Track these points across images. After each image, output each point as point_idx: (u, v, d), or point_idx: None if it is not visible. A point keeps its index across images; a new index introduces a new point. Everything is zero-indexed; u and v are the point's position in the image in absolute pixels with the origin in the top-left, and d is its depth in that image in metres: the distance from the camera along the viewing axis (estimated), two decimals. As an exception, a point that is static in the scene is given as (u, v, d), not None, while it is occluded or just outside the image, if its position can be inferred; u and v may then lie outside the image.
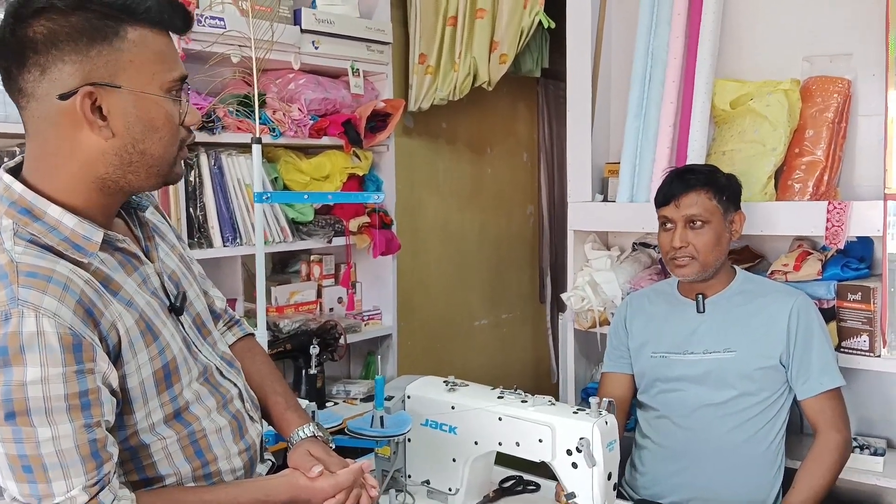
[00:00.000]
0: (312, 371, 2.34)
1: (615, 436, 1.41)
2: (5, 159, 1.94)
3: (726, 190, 1.81)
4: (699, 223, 1.77)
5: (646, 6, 2.23)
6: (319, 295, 2.73)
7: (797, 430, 2.01)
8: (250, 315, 2.58)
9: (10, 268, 0.91)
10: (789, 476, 1.76)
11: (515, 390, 1.52)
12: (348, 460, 1.22)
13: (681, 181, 1.81)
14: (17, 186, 0.98)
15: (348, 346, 2.54)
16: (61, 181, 0.99)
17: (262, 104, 2.37)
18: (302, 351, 2.34)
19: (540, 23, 2.59)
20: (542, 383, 3.78)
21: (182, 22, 1.02)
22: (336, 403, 2.47)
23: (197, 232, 2.23)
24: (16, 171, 1.01)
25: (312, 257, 2.75)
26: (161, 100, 0.99)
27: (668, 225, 1.83)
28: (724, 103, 2.12)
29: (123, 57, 0.95)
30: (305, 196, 2.25)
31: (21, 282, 0.89)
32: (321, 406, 2.36)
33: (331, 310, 2.74)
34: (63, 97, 0.94)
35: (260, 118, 2.34)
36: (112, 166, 0.99)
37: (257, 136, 1.99)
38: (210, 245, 2.25)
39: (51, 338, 0.89)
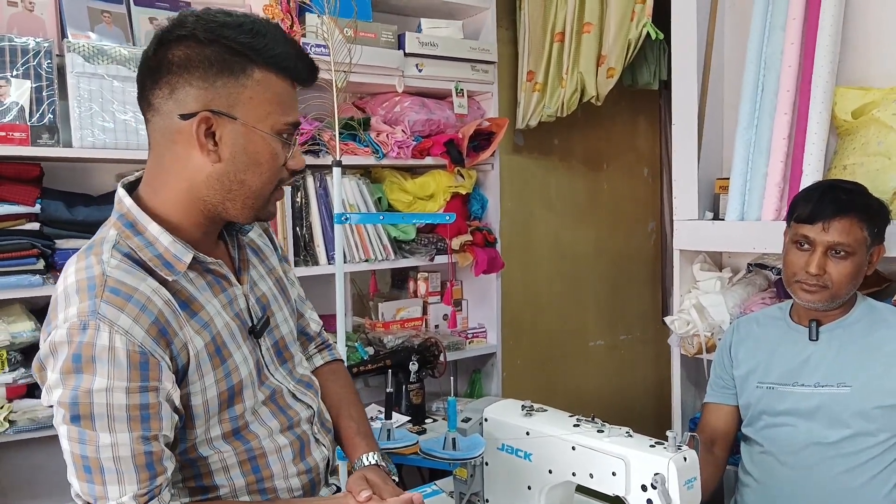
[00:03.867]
0: (410, 387, 2.37)
1: (695, 473, 1.31)
2: (127, 184, 2.12)
3: (878, 220, 1.62)
4: (843, 253, 1.60)
5: (759, 11, 2.09)
6: (425, 312, 2.76)
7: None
8: (358, 330, 2.66)
9: (99, 280, 0.98)
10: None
11: (593, 419, 1.46)
12: (407, 492, 1.21)
13: (834, 202, 1.60)
14: (127, 201, 1.06)
15: (450, 363, 2.55)
16: (169, 196, 1.06)
17: (367, 127, 2.44)
18: (402, 367, 2.37)
19: (649, 34, 2.50)
20: (663, 408, 3.61)
21: (307, 74, 1.09)
22: (436, 420, 2.49)
23: (303, 250, 2.33)
24: (132, 187, 1.11)
25: (419, 274, 2.79)
26: (269, 138, 1.06)
27: (806, 246, 1.64)
28: (846, 113, 1.95)
29: (245, 93, 1.03)
30: (381, 217, 2.30)
31: (104, 297, 0.96)
32: (419, 422, 2.38)
33: (436, 327, 2.77)
34: (183, 117, 1.02)
35: (364, 141, 2.42)
36: (213, 190, 1.06)
37: (338, 158, 2.05)
38: (315, 263, 2.34)
39: (120, 353, 0.95)
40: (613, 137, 3.45)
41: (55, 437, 1.96)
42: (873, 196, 1.65)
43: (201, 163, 1.03)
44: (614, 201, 3.48)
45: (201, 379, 1.05)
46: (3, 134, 1.84)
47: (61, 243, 1.94)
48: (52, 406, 0.98)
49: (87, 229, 1.97)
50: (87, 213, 1.98)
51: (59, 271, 1.88)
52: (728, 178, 2.17)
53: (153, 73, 1.02)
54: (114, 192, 2.12)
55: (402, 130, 2.50)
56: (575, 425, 1.46)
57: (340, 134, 2.33)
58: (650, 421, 3.42)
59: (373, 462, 1.25)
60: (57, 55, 1.96)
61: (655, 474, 1.28)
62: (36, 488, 2.10)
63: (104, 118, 1.99)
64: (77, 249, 1.88)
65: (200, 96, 1.01)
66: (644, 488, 1.31)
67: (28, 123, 1.88)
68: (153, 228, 1.04)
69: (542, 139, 3.14)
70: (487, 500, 1.56)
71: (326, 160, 2.31)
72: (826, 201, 1.61)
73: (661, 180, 3.65)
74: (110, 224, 1.06)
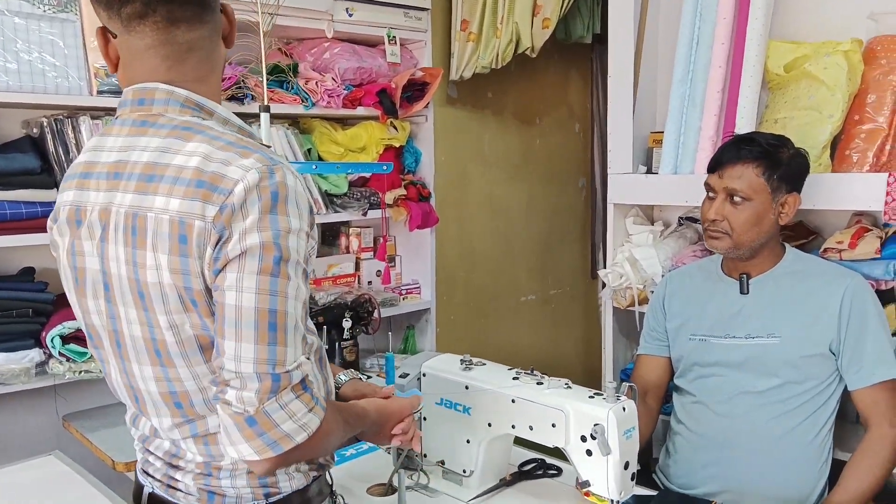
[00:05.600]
0: (344, 344, 2.32)
1: (634, 423, 1.32)
2: (34, 130, 1.96)
3: (783, 168, 1.64)
4: (739, 199, 1.64)
5: (695, -37, 2.07)
6: (358, 268, 2.70)
7: (853, 419, 1.87)
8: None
9: (247, 142, 0.94)
10: (838, 469, 1.63)
11: (532, 371, 1.44)
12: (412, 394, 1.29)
13: (733, 150, 1.67)
14: (214, 105, 1.01)
15: (384, 320, 2.51)
16: (217, 90, 1.04)
17: (295, 74, 2.33)
18: (335, 324, 2.32)
19: (586, -15, 2.46)
20: (593, 361, 3.67)
21: None
22: (370, 377, 2.45)
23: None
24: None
25: (351, 230, 2.72)
26: None
27: (711, 194, 1.70)
28: (778, 67, 1.96)
29: None
30: (314, 167, 2.21)
31: (263, 150, 0.93)
32: (353, 380, 2.33)
33: (369, 283, 2.71)
34: (222, 10, 1.04)
35: (292, 88, 2.31)
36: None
37: (265, 103, 1.94)
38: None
39: (301, 197, 0.92)
40: (546, 92, 3.42)
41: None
42: (787, 147, 1.67)
43: (223, 52, 1.04)
44: (546, 157, 3.47)
45: None
46: None
47: (-38, 194, 1.78)
48: (218, 269, 0.88)
49: (-8, 179, 1.82)
50: (-10, 161, 1.83)
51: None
52: (662, 132, 2.16)
53: None
54: (17, 139, 1.96)
55: (333, 78, 2.40)
56: (514, 378, 1.44)
57: (267, 80, 2.22)
58: (580, 373, 3.48)
59: (351, 377, 1.30)
60: (-51, -14, 1.78)
61: (595, 425, 1.28)
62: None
63: (6, 58, 1.83)
64: None
65: None
66: (584, 439, 1.31)
67: (-83, 61, 1.71)
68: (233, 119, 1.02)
69: (476, 91, 3.08)
70: (426, 455, 1.54)
71: (252, 108, 2.19)
72: (726, 151, 1.68)
73: (591, 136, 3.66)
74: (199, 125, 0.96)
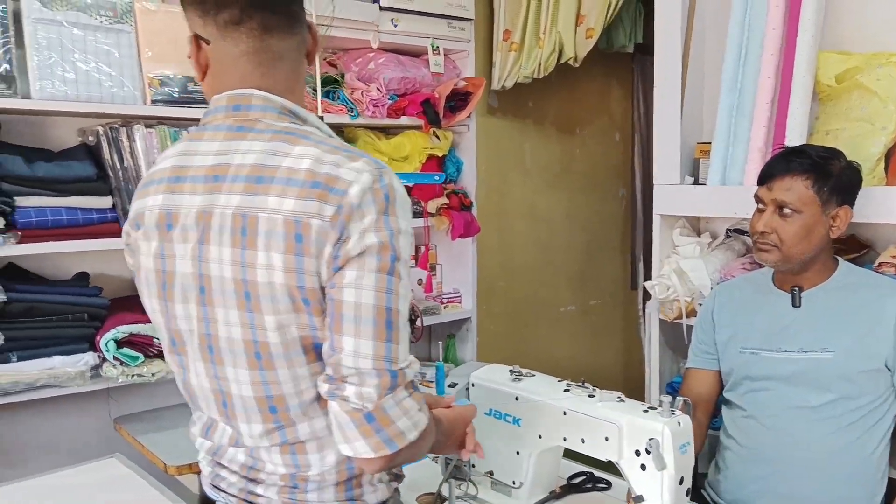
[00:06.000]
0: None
1: (689, 438, 1.31)
2: (90, 138, 2.01)
3: (833, 181, 1.61)
4: (789, 211, 1.61)
5: (744, -28, 2.05)
6: (399, 276, 2.70)
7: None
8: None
9: (348, 147, 0.96)
10: (894, 487, 1.60)
11: (583, 383, 1.44)
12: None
13: (782, 162, 1.65)
14: (309, 116, 1.04)
15: (426, 328, 2.52)
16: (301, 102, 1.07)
17: (341, 84, 2.35)
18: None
19: (630, -6, 2.46)
20: (632, 372, 3.65)
21: None
22: (412, 386, 2.45)
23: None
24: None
25: (392, 238, 2.72)
26: None
27: (760, 206, 1.69)
28: (829, 78, 1.93)
29: None
30: None
31: (368, 155, 0.96)
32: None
33: (411, 291, 2.72)
34: (308, 27, 1.08)
35: (338, 98, 2.33)
36: None
37: (318, 114, 1.97)
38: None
39: (406, 200, 0.95)
40: (586, 101, 3.41)
41: (18, 406, 1.87)
42: (838, 160, 1.64)
43: (306, 68, 1.06)
44: (587, 166, 3.45)
45: None
46: (-44, 83, 1.72)
47: (21, 201, 1.82)
48: (338, 267, 0.89)
49: (48, 186, 1.87)
50: (47, 168, 1.87)
51: (20, 230, 1.80)
52: (709, 143, 2.14)
53: None
54: (73, 147, 2.00)
55: (377, 88, 2.42)
56: (565, 390, 1.44)
57: (314, 88, 2.25)
58: (620, 385, 3.44)
59: None
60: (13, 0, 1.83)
61: (650, 439, 1.27)
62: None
63: (65, 68, 1.87)
64: (38, 207, 1.82)
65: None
66: (638, 453, 1.30)
67: (-18, 72, 1.76)
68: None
69: (517, 101, 3.09)
70: (474, 466, 1.54)
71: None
72: (776, 162, 1.66)
73: (632, 145, 3.64)
74: (300, 132, 0.98)
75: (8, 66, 1.79)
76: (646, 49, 3.23)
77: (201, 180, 0.96)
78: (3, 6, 1.79)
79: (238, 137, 0.96)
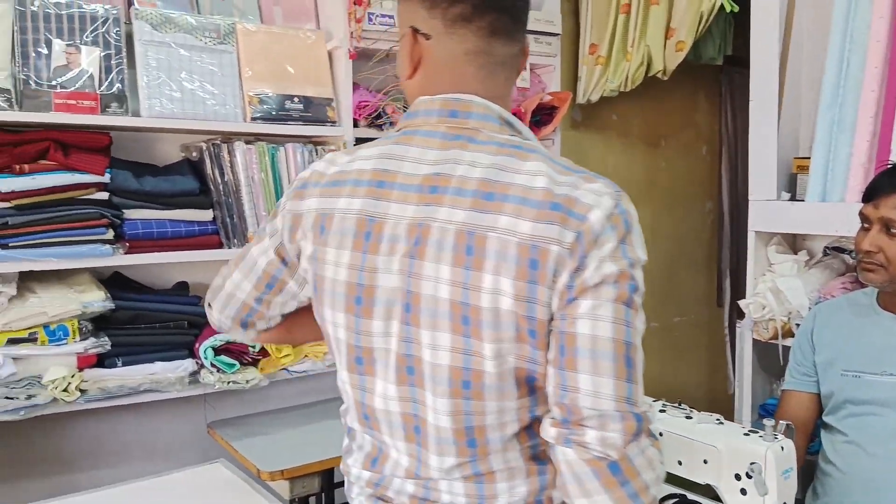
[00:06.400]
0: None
1: (792, 463, 1.27)
2: (193, 154, 2.10)
3: None
4: None
5: (845, -18, 1.99)
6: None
7: None
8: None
9: (579, 167, 0.91)
10: None
11: (680, 405, 1.41)
12: None
13: (888, 178, 1.60)
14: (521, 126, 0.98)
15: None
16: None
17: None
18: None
19: (722, 6, 2.41)
20: (716, 393, 3.55)
21: None
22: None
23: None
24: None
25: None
26: None
27: (865, 224, 1.63)
28: (941, 90, 1.85)
29: None
30: None
31: (601, 176, 0.90)
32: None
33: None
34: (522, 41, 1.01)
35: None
36: None
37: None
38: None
39: (639, 227, 0.87)
40: (672, 113, 3.36)
41: (120, 408, 1.95)
42: None
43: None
44: (671, 180, 3.39)
45: None
46: (74, 102, 1.82)
47: (129, 213, 1.92)
48: (572, 298, 0.82)
49: (154, 200, 1.95)
50: (154, 183, 1.96)
51: (128, 241, 1.89)
52: (807, 158, 2.08)
53: None
54: (177, 162, 2.08)
55: (465, 104, 2.43)
56: (661, 410, 1.41)
57: (405, 107, 2.29)
58: (704, 404, 3.35)
59: None
60: (125, 23, 1.94)
61: (752, 463, 1.24)
62: (98, 459, 2.11)
63: (172, 87, 1.96)
64: (145, 220, 1.91)
65: None
66: (738, 477, 1.27)
67: (97, 92, 1.86)
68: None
69: (601, 114, 3.06)
70: (563, 484, 1.53)
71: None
72: (880, 179, 1.61)
73: (719, 159, 3.55)
74: (525, 145, 0.91)
75: (120, 86, 1.90)
76: (735, 61, 3.16)
77: (415, 189, 0.88)
78: (118, 29, 1.90)
79: (458, 147, 0.89)
